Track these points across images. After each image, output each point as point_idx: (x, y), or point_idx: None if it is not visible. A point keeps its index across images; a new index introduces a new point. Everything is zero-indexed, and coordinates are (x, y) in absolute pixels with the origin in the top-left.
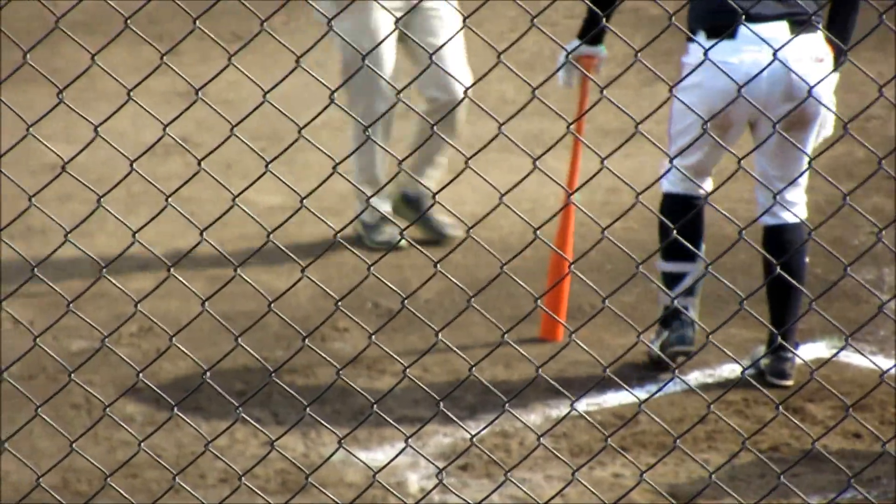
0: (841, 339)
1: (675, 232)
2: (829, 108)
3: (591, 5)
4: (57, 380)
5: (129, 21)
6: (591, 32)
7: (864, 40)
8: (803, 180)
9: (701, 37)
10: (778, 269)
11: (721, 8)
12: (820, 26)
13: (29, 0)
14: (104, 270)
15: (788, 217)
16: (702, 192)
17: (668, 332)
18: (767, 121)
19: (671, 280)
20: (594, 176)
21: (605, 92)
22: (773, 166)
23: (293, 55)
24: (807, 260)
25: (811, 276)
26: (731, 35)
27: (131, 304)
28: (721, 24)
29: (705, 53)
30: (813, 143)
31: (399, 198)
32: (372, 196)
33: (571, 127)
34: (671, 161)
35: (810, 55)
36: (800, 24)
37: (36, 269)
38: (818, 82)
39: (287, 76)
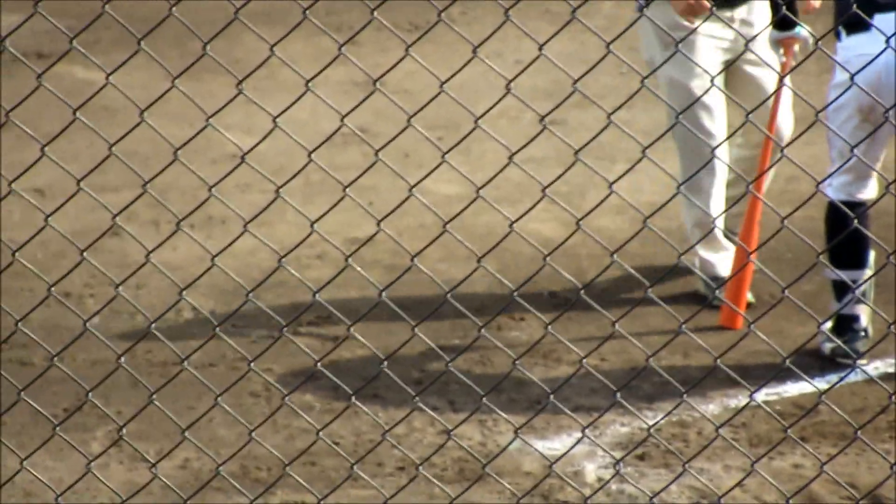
0: None
1: (840, 239)
2: None
3: None
4: (236, 368)
5: (307, 12)
6: (777, 17)
7: None
8: None
9: (842, 32)
10: None
11: (857, 1)
12: None
13: None
14: (282, 260)
15: None
16: (864, 197)
17: (840, 341)
18: None
19: (840, 288)
20: (773, 165)
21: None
22: None
23: (470, 45)
24: None
25: None
26: (867, 27)
27: (310, 294)
28: (857, 18)
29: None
30: None
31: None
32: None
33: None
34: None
35: None
36: None
37: (216, 259)
38: None
39: (464, 66)
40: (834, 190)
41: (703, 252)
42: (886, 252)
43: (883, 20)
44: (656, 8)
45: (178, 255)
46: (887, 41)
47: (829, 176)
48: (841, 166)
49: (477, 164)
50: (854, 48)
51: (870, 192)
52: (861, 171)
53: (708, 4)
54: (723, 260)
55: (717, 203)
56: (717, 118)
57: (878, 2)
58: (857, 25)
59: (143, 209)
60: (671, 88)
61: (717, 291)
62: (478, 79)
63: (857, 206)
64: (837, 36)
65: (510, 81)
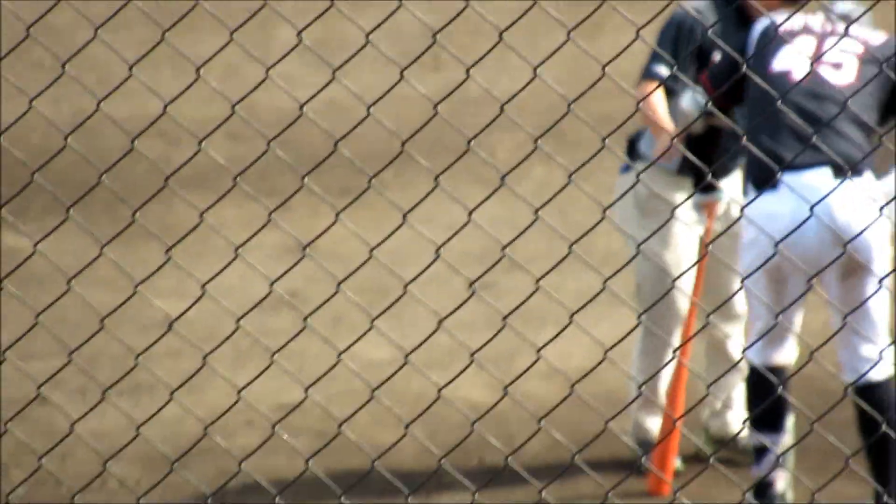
0: None
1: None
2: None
3: (696, 161)
4: None
5: (238, 178)
6: (701, 185)
7: None
8: (881, 335)
9: (750, 188)
10: (883, 428)
11: (767, 157)
12: (868, 171)
13: (147, 156)
14: (209, 428)
15: (873, 375)
16: (780, 360)
17: None
18: (829, 272)
19: (760, 452)
20: (698, 332)
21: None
22: (843, 320)
23: (400, 210)
24: None
25: None
26: (774, 186)
27: (236, 462)
28: (765, 175)
29: (742, 209)
30: (880, 293)
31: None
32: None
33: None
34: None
35: (856, 199)
36: (844, 169)
37: (141, 428)
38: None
39: (395, 231)
40: (752, 353)
41: (641, 415)
42: (810, 419)
43: (792, 180)
44: (643, 175)
45: (105, 424)
46: (811, 208)
47: (754, 342)
48: (765, 333)
49: (408, 328)
50: (760, 208)
51: (786, 355)
52: (774, 334)
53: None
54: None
55: (666, 370)
56: (684, 290)
57: (785, 161)
58: (764, 183)
59: (70, 377)
60: (643, 257)
61: (643, 458)
62: (409, 243)
63: (776, 371)
64: (745, 193)
65: (440, 246)
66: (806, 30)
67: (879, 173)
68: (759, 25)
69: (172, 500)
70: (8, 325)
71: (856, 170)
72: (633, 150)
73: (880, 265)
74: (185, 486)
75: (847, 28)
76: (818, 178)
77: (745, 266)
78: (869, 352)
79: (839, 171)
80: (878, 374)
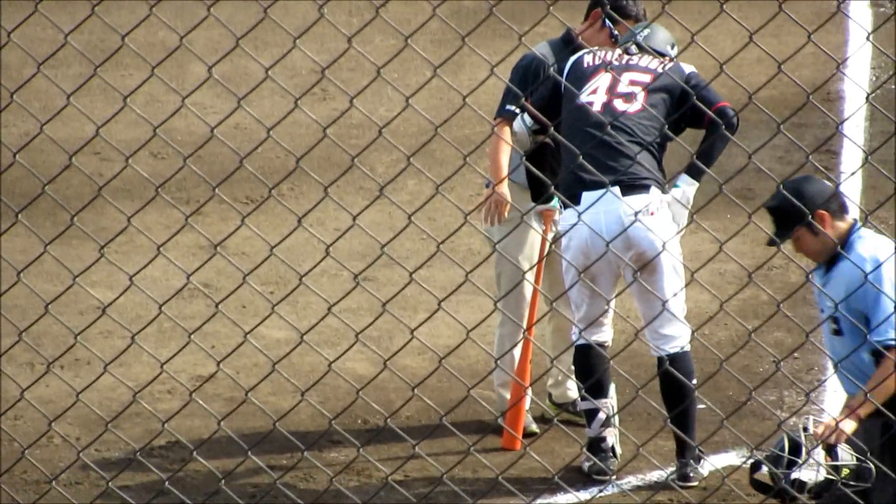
0: (748, 450)
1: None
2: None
3: (534, 170)
4: (98, 486)
5: (160, 189)
6: (543, 197)
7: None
8: (677, 316)
9: (560, 206)
10: (688, 393)
11: (572, 178)
12: (653, 186)
13: (83, 170)
14: (137, 395)
15: (670, 349)
16: (599, 339)
17: (594, 461)
18: (627, 269)
19: (590, 414)
20: (545, 315)
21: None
22: (642, 307)
23: (296, 215)
24: (694, 382)
25: (724, 397)
26: (577, 202)
27: (160, 423)
28: (570, 193)
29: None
30: (670, 283)
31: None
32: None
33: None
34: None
35: (641, 210)
36: (630, 185)
37: (80, 395)
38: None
39: (291, 233)
40: (577, 336)
41: (501, 390)
42: (636, 386)
43: (588, 196)
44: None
45: (49, 391)
46: (579, 216)
47: (582, 328)
48: (594, 322)
49: (302, 313)
50: (568, 219)
51: (604, 335)
52: (592, 320)
53: (505, 212)
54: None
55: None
56: (531, 281)
57: (585, 181)
58: (571, 199)
59: (20, 353)
60: (500, 255)
61: (499, 419)
62: (303, 243)
63: (596, 347)
64: (561, 209)
65: (329, 245)
66: (606, 64)
67: (669, 186)
68: (569, 62)
69: (107, 454)
70: None
71: (642, 186)
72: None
73: (668, 260)
74: (118, 443)
75: (632, 62)
76: (609, 195)
77: (564, 267)
78: (669, 330)
79: (628, 188)
80: (673, 349)
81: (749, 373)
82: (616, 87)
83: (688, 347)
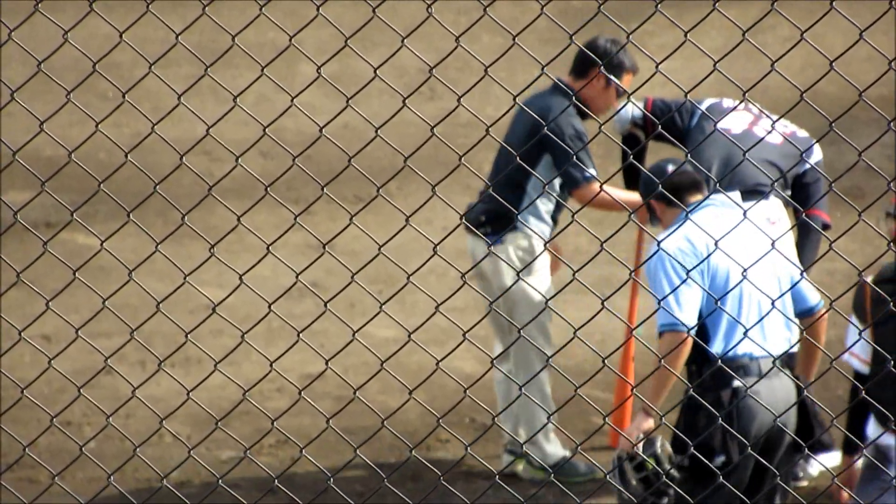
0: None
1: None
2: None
3: (636, 163)
4: (208, 484)
5: (269, 188)
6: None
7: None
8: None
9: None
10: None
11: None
12: (773, 195)
13: (193, 170)
14: (247, 393)
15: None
16: None
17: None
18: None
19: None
20: (653, 314)
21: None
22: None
23: (404, 214)
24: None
25: (833, 396)
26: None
27: (269, 421)
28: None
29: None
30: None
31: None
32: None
33: (633, 273)
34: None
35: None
36: (752, 192)
37: (191, 393)
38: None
39: (399, 231)
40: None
41: (546, 444)
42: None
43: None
44: (514, 240)
45: (160, 390)
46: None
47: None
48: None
49: (410, 311)
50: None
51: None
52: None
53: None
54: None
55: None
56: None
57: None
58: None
59: (131, 352)
60: (527, 302)
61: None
62: (411, 242)
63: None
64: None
65: (437, 244)
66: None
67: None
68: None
69: (217, 453)
70: (80, 309)
71: (761, 192)
72: (500, 221)
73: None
74: (228, 441)
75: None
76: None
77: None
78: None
79: (749, 193)
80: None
81: None
82: (757, 121)
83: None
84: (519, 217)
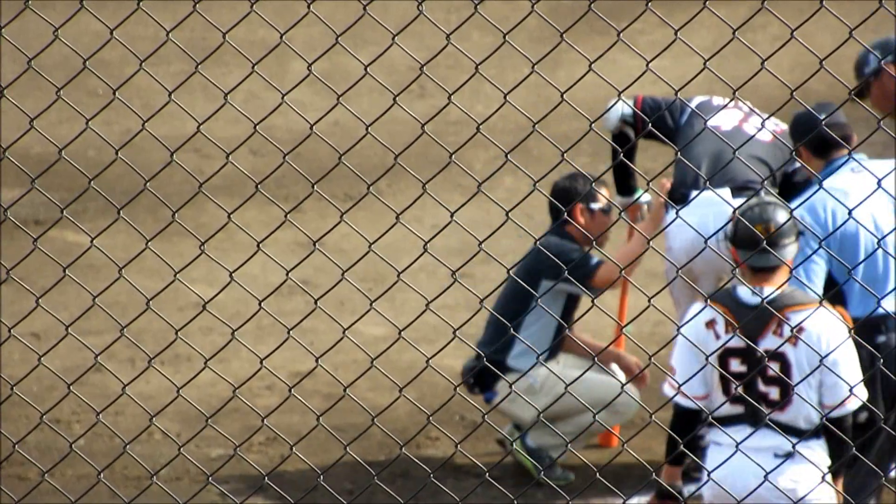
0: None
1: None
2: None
3: (624, 161)
4: (198, 481)
5: (259, 185)
6: (625, 184)
7: None
8: None
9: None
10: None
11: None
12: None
13: (183, 167)
14: (237, 391)
15: None
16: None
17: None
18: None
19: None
20: (643, 311)
21: (651, 243)
22: None
23: (394, 212)
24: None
25: None
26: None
27: (259, 419)
28: (682, 194)
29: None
30: None
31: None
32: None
33: (623, 271)
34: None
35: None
36: (742, 188)
37: (181, 391)
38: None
39: (389, 229)
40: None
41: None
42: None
43: (700, 197)
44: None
45: (150, 387)
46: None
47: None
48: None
49: (400, 309)
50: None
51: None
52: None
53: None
54: None
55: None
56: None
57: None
58: (679, 200)
59: (121, 349)
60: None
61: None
62: (401, 240)
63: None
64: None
65: (427, 242)
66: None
67: None
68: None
69: (207, 450)
70: (70, 306)
71: (752, 189)
72: (487, 382)
73: None
74: (218, 439)
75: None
76: (715, 197)
77: (666, 268)
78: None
79: (740, 189)
80: None
81: None
82: (747, 119)
83: None
84: (508, 362)
